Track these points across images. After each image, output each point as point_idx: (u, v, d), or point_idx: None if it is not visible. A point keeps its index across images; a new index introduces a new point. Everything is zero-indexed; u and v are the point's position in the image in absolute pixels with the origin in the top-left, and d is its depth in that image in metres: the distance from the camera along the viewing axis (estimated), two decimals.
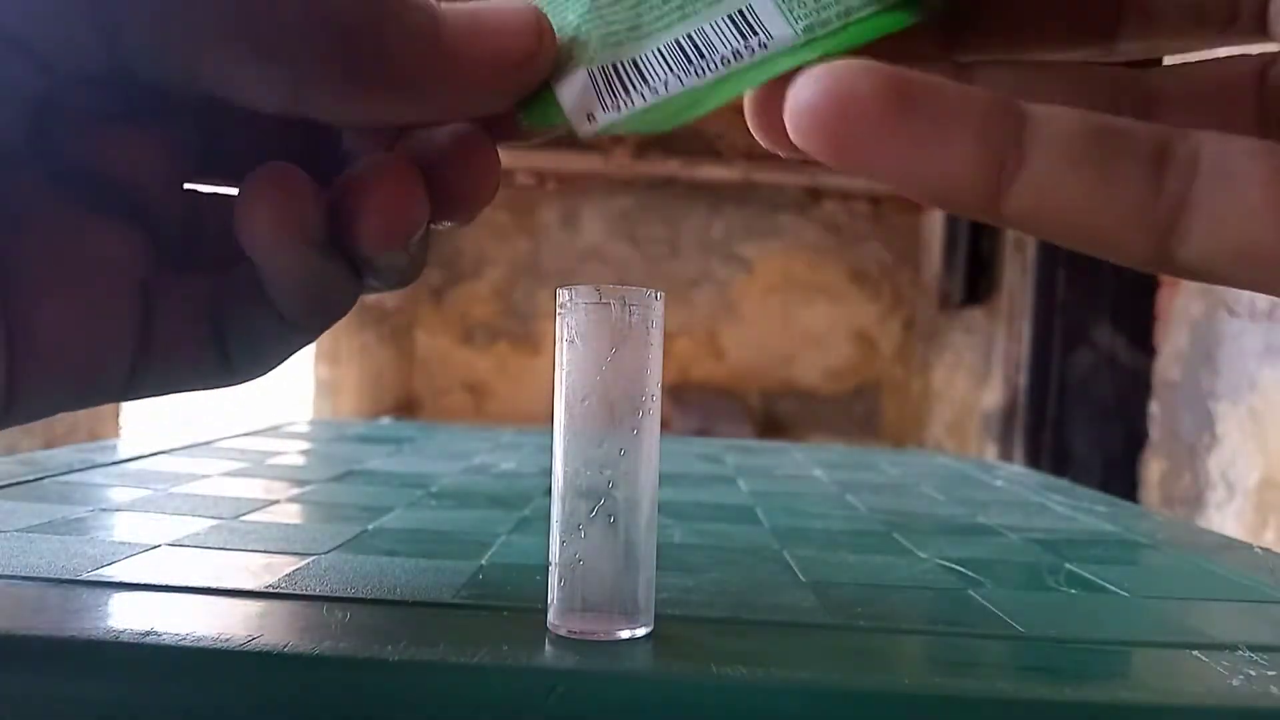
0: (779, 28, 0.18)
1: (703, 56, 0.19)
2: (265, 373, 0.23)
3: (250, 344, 0.21)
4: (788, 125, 0.15)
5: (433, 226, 0.21)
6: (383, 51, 0.18)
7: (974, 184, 0.14)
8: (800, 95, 0.14)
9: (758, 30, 0.18)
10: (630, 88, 0.19)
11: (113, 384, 0.20)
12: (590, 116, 0.19)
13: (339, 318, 0.22)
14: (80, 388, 0.20)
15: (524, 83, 0.19)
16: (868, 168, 0.14)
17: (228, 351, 0.21)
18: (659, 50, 0.19)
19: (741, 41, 0.18)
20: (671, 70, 0.19)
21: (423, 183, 0.20)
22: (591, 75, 0.19)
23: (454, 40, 0.19)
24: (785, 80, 0.15)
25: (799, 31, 0.18)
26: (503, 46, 0.19)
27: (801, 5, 0.18)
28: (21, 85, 0.18)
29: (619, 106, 0.19)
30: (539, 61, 0.19)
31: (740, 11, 0.18)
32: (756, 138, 0.18)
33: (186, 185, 0.21)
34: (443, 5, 0.19)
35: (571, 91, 0.19)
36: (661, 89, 0.19)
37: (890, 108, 0.14)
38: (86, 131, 0.19)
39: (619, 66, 0.19)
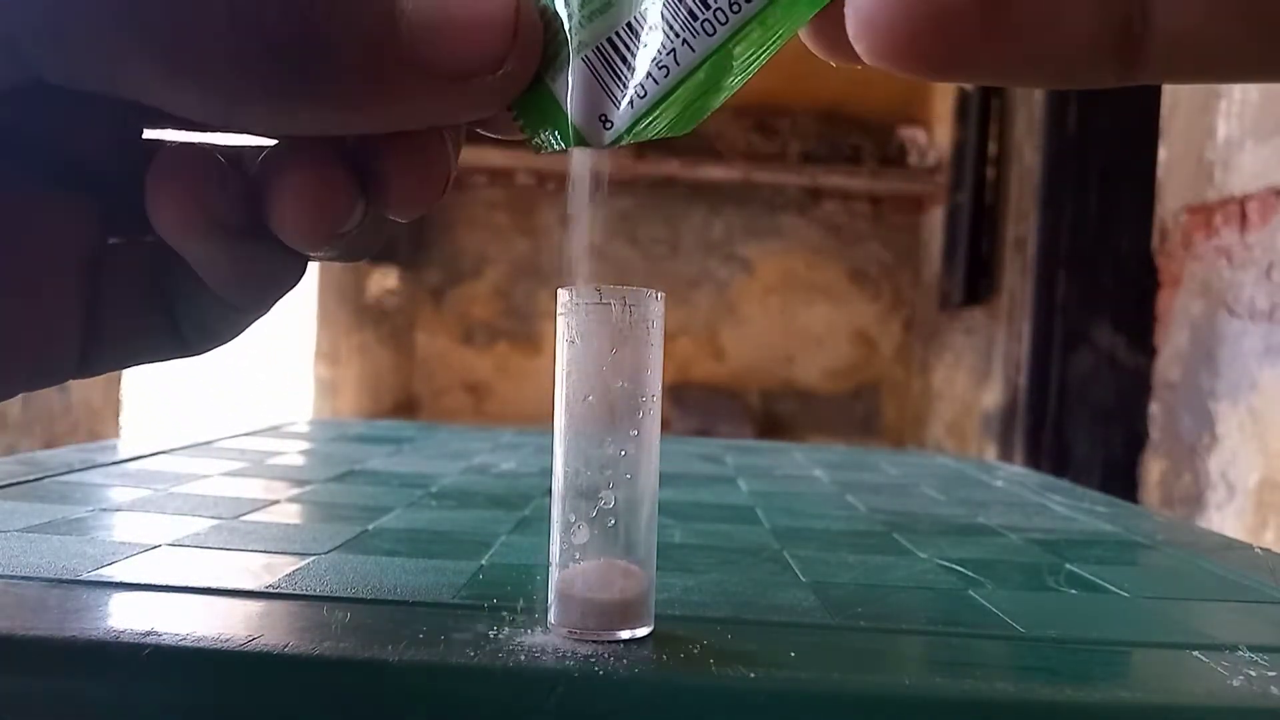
0: None
1: (707, 5, 0.16)
2: (220, 345, 0.21)
3: (199, 320, 0.20)
4: (861, 49, 0.13)
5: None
6: (329, 63, 0.16)
7: (1103, 52, 0.13)
8: (872, 12, 0.13)
9: None
10: (635, 66, 0.16)
11: (65, 364, 0.19)
12: (605, 119, 0.17)
13: (282, 295, 0.20)
14: (32, 373, 0.19)
15: (502, 91, 0.17)
16: (977, 73, 0.13)
17: (179, 326, 0.20)
18: (653, 5, 0.16)
19: None
20: (676, 34, 0.16)
21: (350, 176, 0.18)
22: (588, 62, 0.16)
23: (413, 41, 0.16)
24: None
25: None
26: (472, 45, 0.16)
27: None
28: None
29: (631, 98, 0.16)
30: (520, 63, 0.17)
31: None
32: (822, 58, 0.16)
33: (134, 142, 0.19)
34: None
35: (574, 90, 0.17)
36: (671, 62, 0.16)
37: (990, 2, 0.12)
38: (18, 102, 0.17)
39: (616, 41, 0.16)
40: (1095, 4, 0.13)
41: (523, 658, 0.19)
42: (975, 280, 2.86)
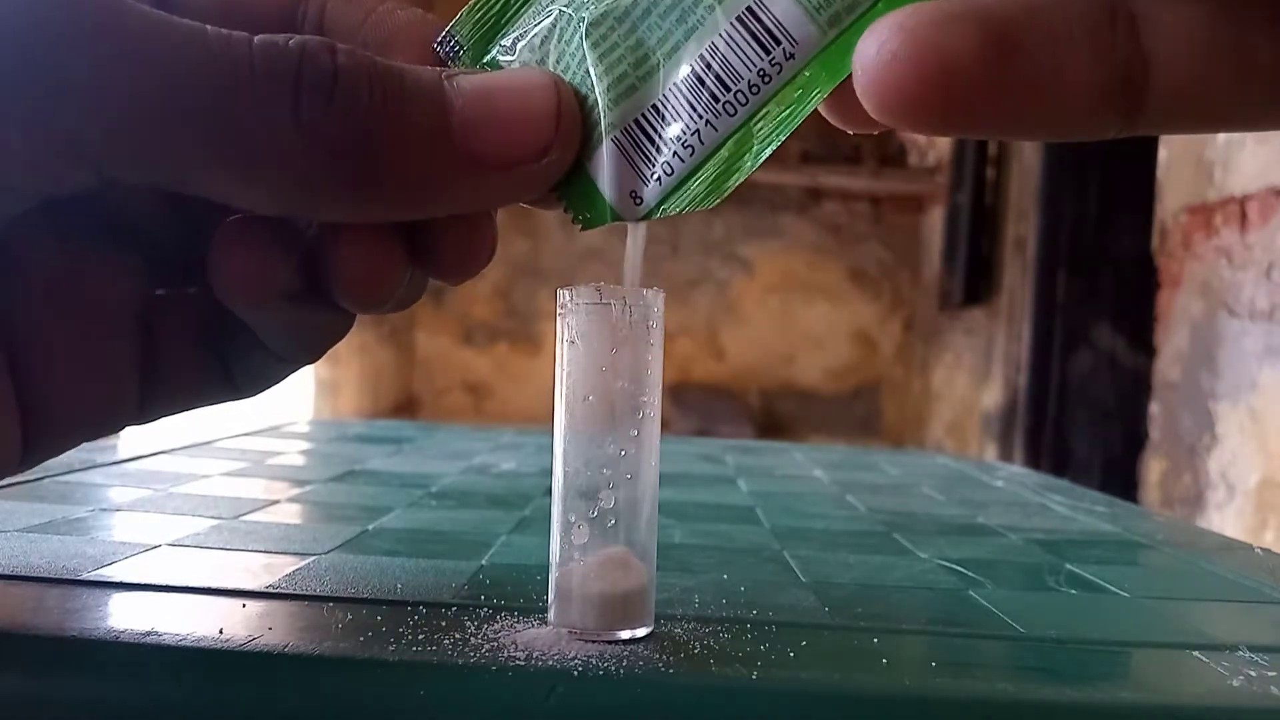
0: (800, 26, 0.16)
1: (727, 88, 0.16)
2: (270, 387, 0.22)
3: (248, 367, 0.21)
4: (870, 107, 0.14)
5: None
6: (388, 164, 0.17)
7: (1104, 104, 0.13)
8: (880, 71, 0.13)
9: (780, 38, 0.16)
10: (662, 147, 0.17)
11: (125, 414, 0.20)
12: (635, 195, 0.18)
13: (331, 346, 0.21)
14: (95, 424, 0.20)
15: (547, 177, 0.18)
16: (982, 128, 0.13)
17: (231, 373, 0.21)
18: (677, 89, 0.17)
19: (765, 57, 0.16)
20: (699, 115, 0.17)
21: (405, 247, 0.19)
22: (618, 143, 0.18)
23: (465, 138, 0.17)
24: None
25: (824, 25, 0.15)
26: (520, 137, 0.17)
27: None
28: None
29: (659, 176, 0.17)
30: (563, 150, 0.18)
31: (749, 10, 0.16)
32: (838, 126, 0.16)
33: (178, 197, 0.20)
34: (456, 81, 0.17)
35: (607, 170, 0.18)
36: (696, 142, 0.17)
37: (994, 59, 0.13)
38: None
39: (643, 122, 0.17)
40: (1094, 60, 0.13)
41: (523, 658, 0.19)
42: (975, 280, 2.86)
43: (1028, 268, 2.29)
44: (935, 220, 3.55)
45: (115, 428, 0.20)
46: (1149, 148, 1.83)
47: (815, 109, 0.16)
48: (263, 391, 0.22)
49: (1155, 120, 0.14)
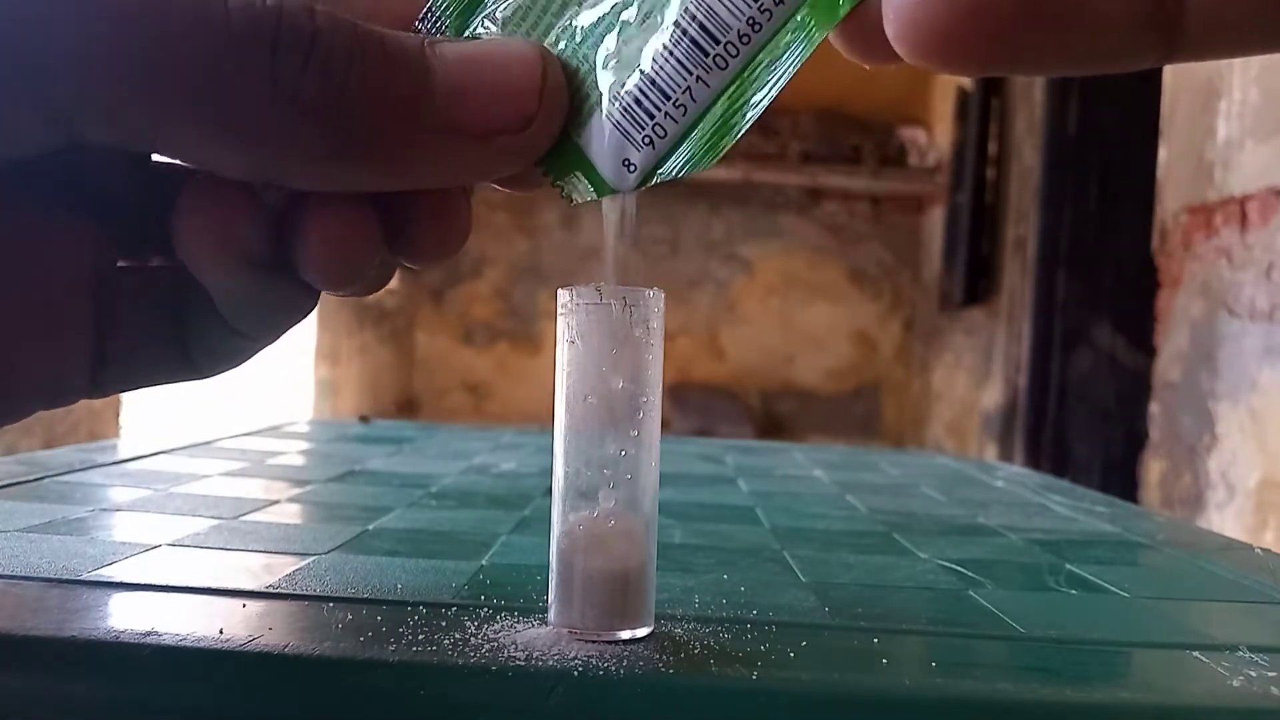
0: None
1: (716, 40, 0.16)
2: (229, 369, 0.21)
3: (208, 345, 0.20)
4: (904, 50, 0.13)
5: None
6: (365, 128, 0.16)
7: (1140, 33, 0.13)
8: (913, 10, 0.13)
9: None
10: (653, 109, 0.16)
11: (77, 385, 0.20)
12: (628, 163, 0.17)
13: (292, 326, 0.20)
14: (46, 393, 0.19)
15: (531, 149, 0.18)
16: (1019, 64, 0.13)
17: (189, 350, 0.20)
18: (665, 49, 0.16)
19: (753, 4, 0.15)
20: (689, 72, 0.16)
21: (376, 224, 0.18)
22: (609, 111, 0.17)
23: (446, 104, 0.17)
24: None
25: None
26: (502, 106, 0.17)
27: None
28: None
29: (651, 139, 0.17)
30: (547, 121, 0.17)
31: None
32: (856, 61, 0.16)
33: (142, 165, 0.20)
34: (439, 48, 0.17)
35: (597, 140, 0.17)
36: (687, 100, 0.16)
37: None
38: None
39: (633, 88, 0.17)
40: None
41: (523, 658, 0.19)
42: (975, 280, 2.86)
43: (1028, 268, 2.29)
44: (935, 220, 3.55)
45: (68, 399, 0.20)
46: (1149, 148, 1.83)
47: (814, 51, 0.16)
48: (220, 372, 0.21)
49: (1193, 46, 0.14)
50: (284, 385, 2.79)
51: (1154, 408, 1.80)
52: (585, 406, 0.20)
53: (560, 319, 0.21)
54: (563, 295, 0.20)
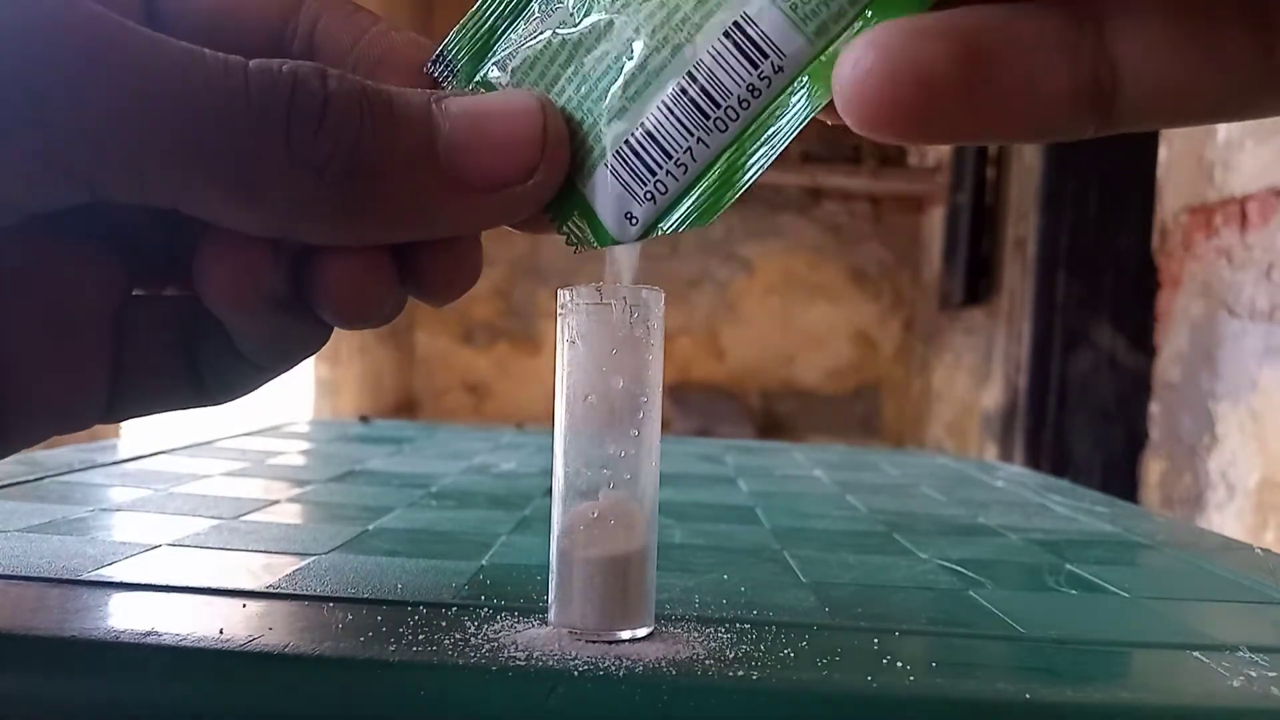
0: (787, 39, 0.16)
1: (717, 104, 0.16)
2: (241, 395, 0.22)
3: (222, 374, 0.21)
4: (851, 122, 0.14)
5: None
6: (376, 187, 0.17)
7: (1078, 107, 0.14)
8: (857, 87, 0.13)
9: (767, 51, 0.16)
10: (655, 166, 0.17)
11: (92, 410, 0.20)
12: (630, 216, 0.18)
13: (306, 358, 0.21)
14: (60, 417, 0.20)
15: (534, 199, 0.18)
16: (962, 136, 0.14)
17: (202, 378, 0.21)
18: (667, 108, 0.17)
19: (753, 71, 0.16)
20: (690, 132, 0.17)
21: (393, 266, 0.19)
22: (612, 165, 0.18)
23: (450, 161, 0.17)
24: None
25: (811, 36, 0.15)
26: (505, 159, 0.18)
27: (805, 2, 0.15)
28: None
29: (653, 195, 0.17)
30: (549, 172, 0.18)
31: (735, 25, 0.16)
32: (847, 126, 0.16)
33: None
34: (444, 104, 0.18)
35: (601, 191, 0.18)
36: (688, 160, 0.17)
37: (967, 70, 0.13)
38: None
39: (634, 143, 0.17)
40: (1066, 65, 0.13)
41: (522, 658, 0.19)
42: (975, 280, 2.86)
43: (1028, 268, 2.29)
44: (935, 220, 3.55)
45: (82, 425, 0.20)
46: (1149, 148, 1.83)
47: (814, 118, 0.16)
48: (234, 399, 0.22)
49: (1131, 119, 0.14)
50: (284, 385, 2.79)
51: (1154, 408, 1.80)
52: (585, 406, 0.20)
53: (560, 319, 0.21)
54: (563, 295, 0.20)
